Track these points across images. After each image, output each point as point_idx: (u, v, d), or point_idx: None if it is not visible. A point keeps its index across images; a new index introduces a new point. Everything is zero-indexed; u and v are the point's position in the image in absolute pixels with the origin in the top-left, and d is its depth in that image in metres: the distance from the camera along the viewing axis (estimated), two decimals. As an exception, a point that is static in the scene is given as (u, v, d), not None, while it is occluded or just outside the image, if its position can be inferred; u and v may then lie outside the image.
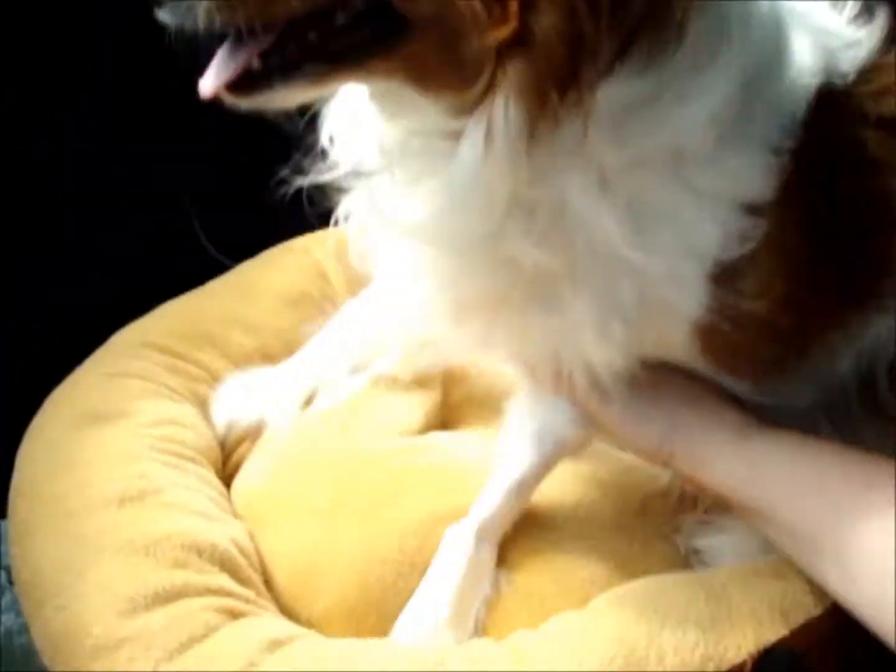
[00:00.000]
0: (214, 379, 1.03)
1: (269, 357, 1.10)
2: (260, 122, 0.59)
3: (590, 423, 0.77)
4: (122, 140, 1.25)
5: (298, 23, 0.53)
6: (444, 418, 1.01)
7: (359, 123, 0.66)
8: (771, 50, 0.62)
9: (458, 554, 0.77)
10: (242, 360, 1.08)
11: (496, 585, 0.78)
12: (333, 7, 0.54)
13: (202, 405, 0.99)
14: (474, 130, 0.55)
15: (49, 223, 1.22)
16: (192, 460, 0.88)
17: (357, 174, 0.66)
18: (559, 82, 0.53)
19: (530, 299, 0.65)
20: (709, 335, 0.66)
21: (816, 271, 0.66)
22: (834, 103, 0.64)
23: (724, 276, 0.62)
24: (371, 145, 0.65)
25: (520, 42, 0.52)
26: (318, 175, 0.68)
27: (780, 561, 0.70)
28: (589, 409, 0.73)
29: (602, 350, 0.65)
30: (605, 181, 0.59)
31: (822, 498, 0.61)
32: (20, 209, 1.20)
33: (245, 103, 0.57)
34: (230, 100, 0.56)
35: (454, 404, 1.03)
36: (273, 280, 1.20)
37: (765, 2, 0.62)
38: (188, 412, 0.95)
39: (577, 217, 0.59)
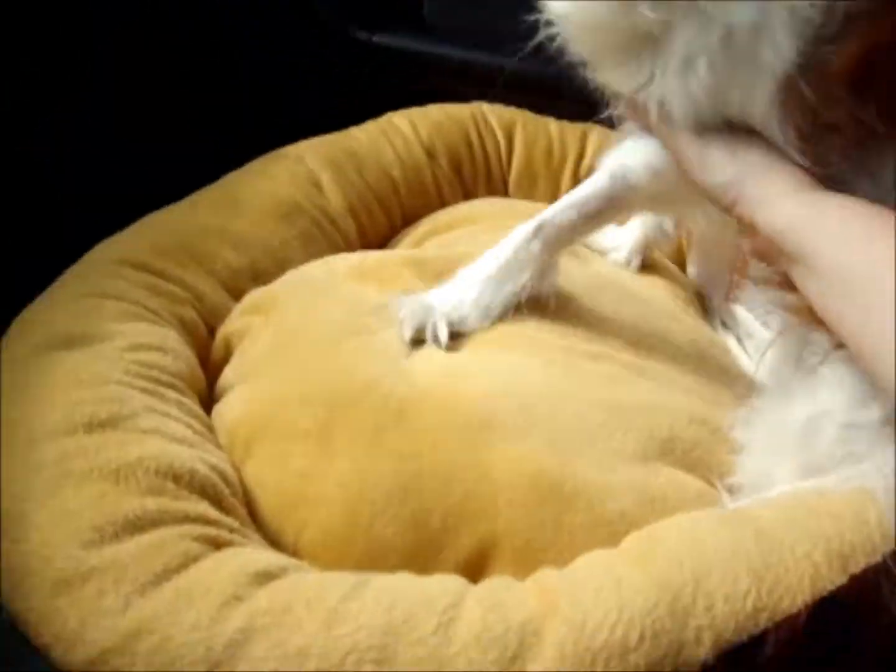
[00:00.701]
0: (198, 300, 0.95)
1: (259, 275, 1.02)
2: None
3: (663, 173, 0.81)
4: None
5: None
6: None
7: None
8: None
9: (509, 242, 0.86)
10: (229, 279, 1.00)
11: (540, 284, 0.86)
12: None
13: (185, 328, 0.92)
14: None
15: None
16: (173, 387, 0.80)
17: None
18: None
19: (640, 39, 0.72)
20: (790, 94, 0.68)
21: None
22: None
23: (813, 34, 0.66)
24: None
25: None
26: None
27: (833, 497, 0.63)
28: (660, 136, 0.78)
29: (683, 85, 0.70)
30: None
31: (869, 246, 0.61)
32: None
33: None
34: None
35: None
36: (262, 191, 1.11)
37: None
38: (169, 336, 0.86)
39: None
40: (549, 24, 0.82)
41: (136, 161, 1.24)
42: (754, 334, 1.09)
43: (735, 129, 0.73)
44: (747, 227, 0.72)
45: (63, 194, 1.21)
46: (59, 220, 1.19)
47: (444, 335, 0.83)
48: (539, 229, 0.86)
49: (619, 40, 0.74)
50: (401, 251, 1.10)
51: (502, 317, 0.86)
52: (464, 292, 0.86)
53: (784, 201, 0.68)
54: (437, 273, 0.92)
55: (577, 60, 0.82)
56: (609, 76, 0.80)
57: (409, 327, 0.84)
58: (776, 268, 0.72)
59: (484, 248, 0.89)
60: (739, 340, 1.11)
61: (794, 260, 0.66)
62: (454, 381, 0.79)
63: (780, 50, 0.67)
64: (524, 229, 0.86)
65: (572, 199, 0.87)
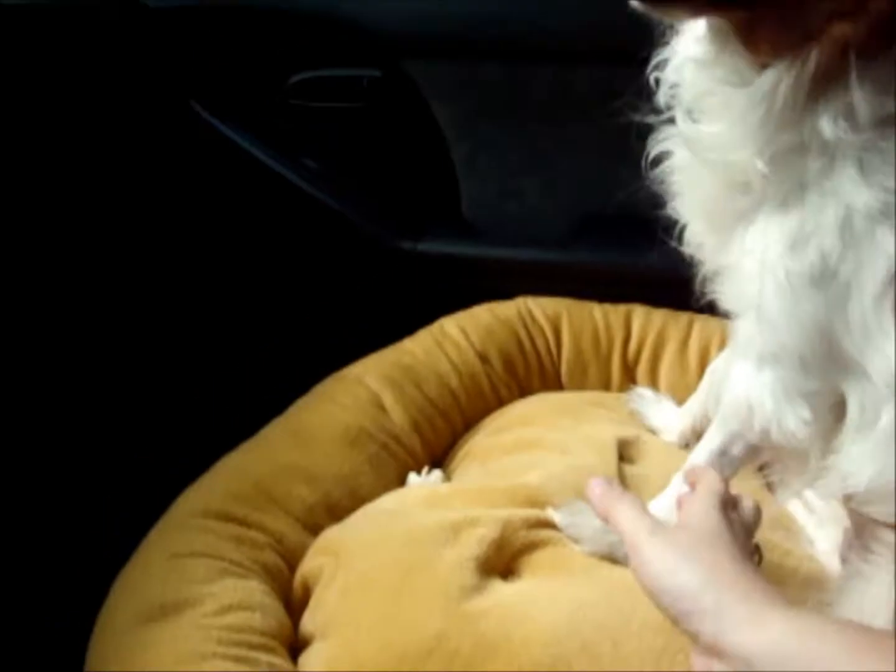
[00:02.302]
0: (278, 542, 1.00)
1: (333, 507, 1.06)
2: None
3: None
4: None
5: None
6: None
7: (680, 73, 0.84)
8: None
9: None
10: (306, 516, 1.04)
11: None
12: None
13: (269, 573, 0.96)
14: (779, 70, 0.72)
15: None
16: (264, 647, 0.83)
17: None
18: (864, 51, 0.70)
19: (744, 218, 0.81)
20: None
21: None
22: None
23: None
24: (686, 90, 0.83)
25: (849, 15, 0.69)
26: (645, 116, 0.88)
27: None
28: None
29: (794, 263, 0.76)
30: (857, 125, 0.72)
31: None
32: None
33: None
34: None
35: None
36: (328, 418, 1.17)
37: None
38: (256, 590, 0.90)
39: (823, 147, 0.74)
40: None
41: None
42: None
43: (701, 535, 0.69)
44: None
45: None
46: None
47: None
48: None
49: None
50: (464, 484, 1.11)
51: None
52: None
53: (744, 633, 0.59)
54: (507, 501, 0.96)
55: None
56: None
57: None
58: None
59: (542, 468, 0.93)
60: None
61: None
62: (518, 626, 0.81)
63: None
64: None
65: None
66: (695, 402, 1.14)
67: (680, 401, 1.23)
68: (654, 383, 1.34)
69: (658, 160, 0.90)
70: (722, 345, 1.23)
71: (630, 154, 0.91)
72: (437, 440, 1.24)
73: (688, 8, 0.74)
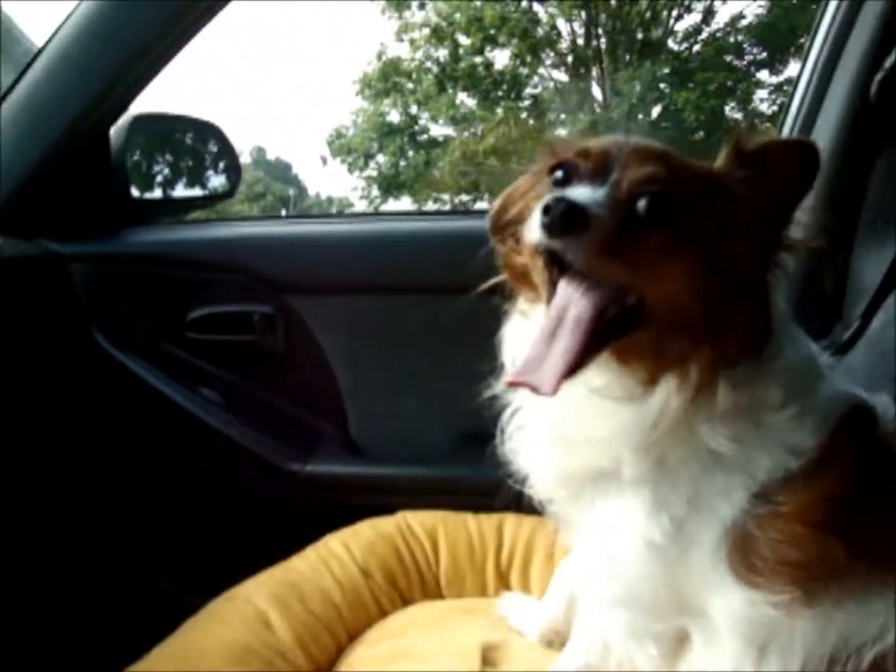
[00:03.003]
0: None
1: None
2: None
3: None
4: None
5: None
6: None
7: None
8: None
9: None
10: (190, 739, 1.08)
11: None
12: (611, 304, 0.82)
13: None
14: (663, 389, 0.83)
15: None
16: None
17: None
18: (730, 364, 0.83)
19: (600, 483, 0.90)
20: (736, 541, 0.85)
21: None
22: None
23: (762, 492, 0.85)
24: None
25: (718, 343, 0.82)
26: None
27: None
28: None
29: (650, 529, 0.86)
30: (715, 418, 0.85)
31: None
32: None
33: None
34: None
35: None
36: (214, 638, 1.22)
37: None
38: None
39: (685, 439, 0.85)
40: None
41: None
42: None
43: None
44: None
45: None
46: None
47: None
48: None
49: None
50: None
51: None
52: None
53: None
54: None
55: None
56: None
57: None
58: None
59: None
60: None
61: None
62: None
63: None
64: None
65: None
66: (551, 602, 1.23)
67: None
68: (525, 587, 1.43)
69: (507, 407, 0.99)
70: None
71: (496, 377, 1.00)
72: (323, 654, 1.29)
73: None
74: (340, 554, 1.41)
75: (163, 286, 1.75)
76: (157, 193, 2.10)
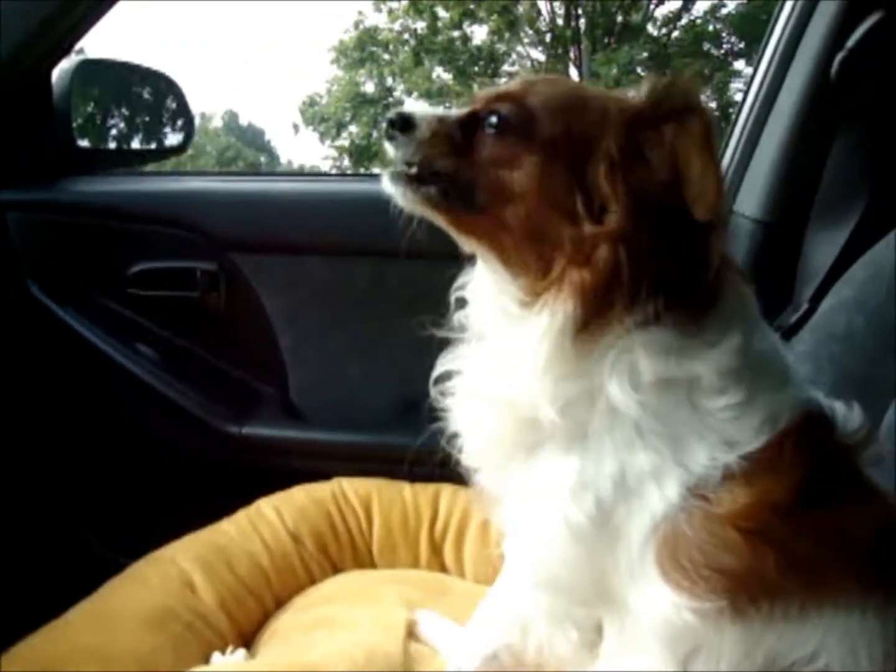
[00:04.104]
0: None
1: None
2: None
3: None
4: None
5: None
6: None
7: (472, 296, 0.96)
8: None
9: None
10: (97, 698, 1.05)
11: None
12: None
13: None
14: (536, 318, 0.83)
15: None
16: None
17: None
18: (603, 304, 0.81)
19: (527, 449, 0.88)
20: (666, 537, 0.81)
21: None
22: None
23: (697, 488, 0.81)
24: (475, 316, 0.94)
25: (580, 262, 0.82)
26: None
27: None
28: None
29: (573, 509, 0.83)
30: (638, 386, 0.82)
31: None
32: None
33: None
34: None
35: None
36: (135, 599, 1.19)
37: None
38: None
39: (607, 403, 0.82)
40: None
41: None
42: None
43: None
44: None
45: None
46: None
47: None
48: None
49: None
50: (254, 664, 1.14)
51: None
52: None
53: None
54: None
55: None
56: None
57: None
58: None
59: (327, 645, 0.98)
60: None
61: None
62: None
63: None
64: None
65: None
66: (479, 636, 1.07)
67: (481, 573, 1.33)
68: (458, 559, 1.42)
69: (445, 376, 0.97)
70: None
71: (443, 345, 0.98)
72: (247, 619, 1.27)
73: (426, 208, 0.91)
74: (271, 518, 1.38)
75: (103, 238, 1.69)
76: (105, 144, 2.04)
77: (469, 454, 0.96)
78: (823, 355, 1.29)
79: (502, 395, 0.88)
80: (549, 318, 0.82)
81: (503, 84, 0.97)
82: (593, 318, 0.81)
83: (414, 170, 0.90)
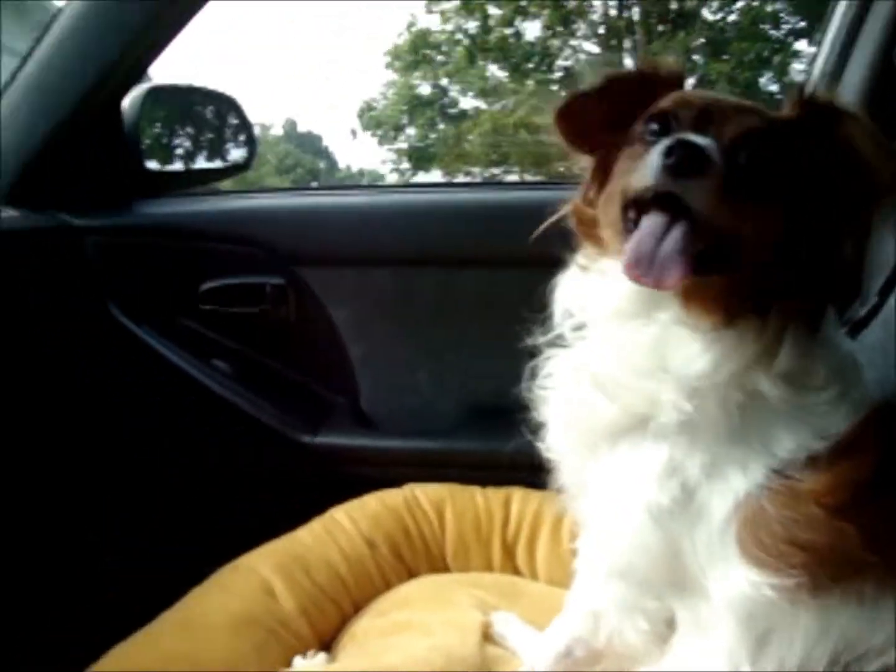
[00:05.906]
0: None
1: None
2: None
3: None
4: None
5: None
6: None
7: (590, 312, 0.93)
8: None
9: None
10: (193, 706, 1.10)
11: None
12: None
13: None
14: (738, 331, 0.83)
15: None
16: None
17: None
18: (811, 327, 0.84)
19: (612, 438, 0.89)
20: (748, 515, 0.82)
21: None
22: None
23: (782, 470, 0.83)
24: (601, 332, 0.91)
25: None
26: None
27: None
28: None
29: (658, 493, 0.84)
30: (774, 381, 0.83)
31: None
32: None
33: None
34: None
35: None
36: (217, 607, 1.24)
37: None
38: None
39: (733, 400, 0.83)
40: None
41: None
42: None
43: None
44: None
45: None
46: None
47: None
48: None
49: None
50: (337, 667, 1.19)
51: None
52: None
53: None
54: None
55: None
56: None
57: None
58: None
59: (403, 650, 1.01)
60: None
61: None
62: None
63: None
64: None
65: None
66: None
67: (553, 575, 1.35)
68: (531, 561, 1.44)
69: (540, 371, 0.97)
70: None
71: (512, 350, 0.99)
72: (326, 623, 1.30)
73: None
74: (346, 525, 1.42)
75: (175, 258, 1.75)
76: (172, 165, 2.10)
77: (553, 446, 0.98)
78: (892, 349, 1.28)
79: (621, 386, 0.88)
80: (753, 340, 0.84)
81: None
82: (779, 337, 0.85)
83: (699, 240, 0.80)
